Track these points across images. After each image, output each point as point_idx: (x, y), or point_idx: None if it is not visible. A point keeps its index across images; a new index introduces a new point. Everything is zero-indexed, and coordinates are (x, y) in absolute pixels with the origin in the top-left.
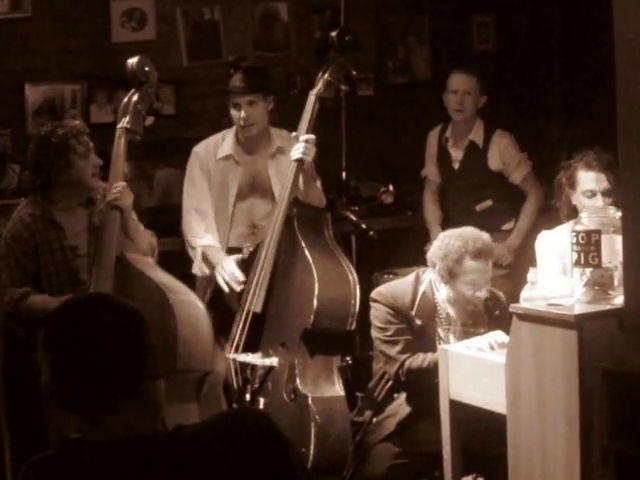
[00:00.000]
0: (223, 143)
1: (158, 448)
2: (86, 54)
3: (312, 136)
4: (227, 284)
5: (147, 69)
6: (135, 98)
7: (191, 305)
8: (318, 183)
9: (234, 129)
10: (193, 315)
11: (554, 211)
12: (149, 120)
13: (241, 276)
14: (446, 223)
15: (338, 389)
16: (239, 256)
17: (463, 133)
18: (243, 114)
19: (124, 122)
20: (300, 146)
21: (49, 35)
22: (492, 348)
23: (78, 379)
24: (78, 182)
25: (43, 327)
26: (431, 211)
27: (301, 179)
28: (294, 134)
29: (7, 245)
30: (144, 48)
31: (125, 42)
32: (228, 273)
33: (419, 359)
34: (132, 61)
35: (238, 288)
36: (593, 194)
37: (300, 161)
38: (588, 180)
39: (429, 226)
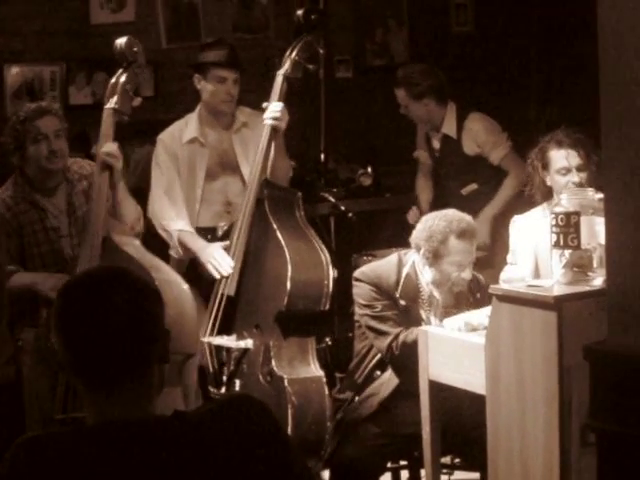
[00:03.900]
0: (187, 127)
1: (157, 432)
2: (65, 35)
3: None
4: (216, 270)
5: (135, 49)
6: (123, 79)
7: (177, 286)
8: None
9: (197, 111)
10: (179, 297)
11: (527, 198)
12: (136, 101)
13: (232, 261)
14: (438, 206)
15: (314, 370)
16: (225, 243)
17: (436, 126)
18: (231, 89)
19: (112, 102)
20: (273, 111)
21: (28, 16)
22: None
23: (90, 358)
24: (36, 165)
25: (59, 298)
26: (421, 193)
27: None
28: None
29: None
30: (123, 30)
31: (104, 24)
32: (218, 259)
33: (414, 333)
34: (120, 41)
35: (227, 272)
36: (568, 171)
37: (274, 128)
38: (560, 158)
39: (419, 206)
